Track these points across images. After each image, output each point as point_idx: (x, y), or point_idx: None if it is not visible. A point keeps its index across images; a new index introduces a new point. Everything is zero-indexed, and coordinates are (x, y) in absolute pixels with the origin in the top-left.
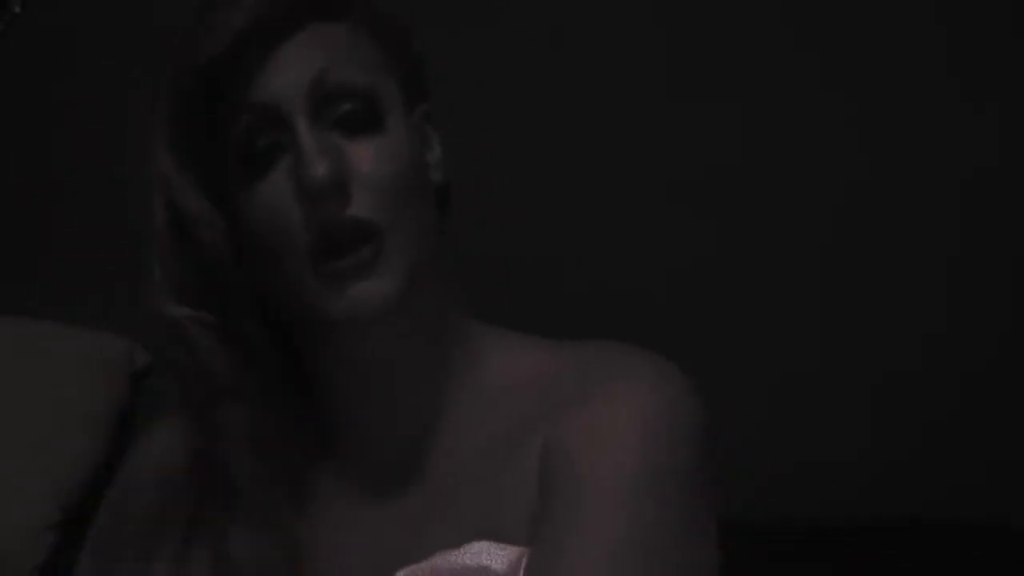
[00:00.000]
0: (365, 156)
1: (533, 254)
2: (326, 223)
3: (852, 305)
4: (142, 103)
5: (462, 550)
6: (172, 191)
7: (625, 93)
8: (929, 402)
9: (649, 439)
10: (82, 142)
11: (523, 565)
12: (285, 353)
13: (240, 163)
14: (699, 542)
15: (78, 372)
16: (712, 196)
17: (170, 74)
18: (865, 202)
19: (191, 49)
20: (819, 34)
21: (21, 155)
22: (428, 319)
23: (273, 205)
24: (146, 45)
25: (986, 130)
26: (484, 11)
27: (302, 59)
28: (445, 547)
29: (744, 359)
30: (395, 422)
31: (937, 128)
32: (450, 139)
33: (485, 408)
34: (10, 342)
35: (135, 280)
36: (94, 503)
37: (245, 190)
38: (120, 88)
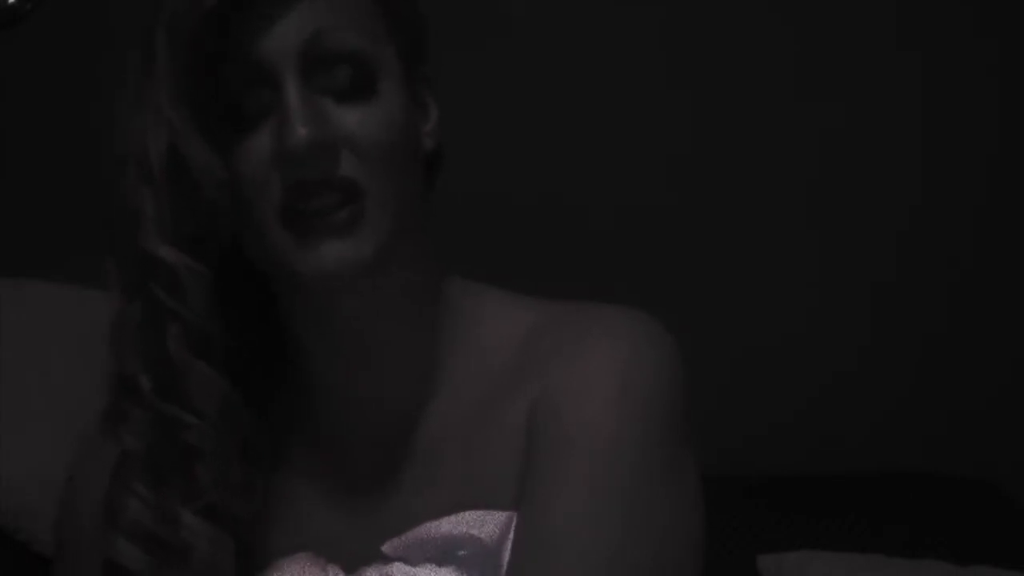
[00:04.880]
0: (354, 121)
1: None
2: (306, 183)
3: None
4: (125, 43)
5: (448, 519)
6: (177, 138)
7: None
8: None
9: (628, 392)
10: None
11: (512, 527)
12: (266, 318)
13: (230, 115)
14: (682, 493)
15: (100, 331)
16: (691, 154)
17: (170, 19)
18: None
19: None
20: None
21: (60, 127)
22: (408, 282)
23: (255, 161)
24: None
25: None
26: None
27: (300, 18)
28: (433, 515)
29: (716, 320)
30: (384, 391)
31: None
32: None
33: (473, 372)
34: (37, 304)
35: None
36: None
37: (233, 142)
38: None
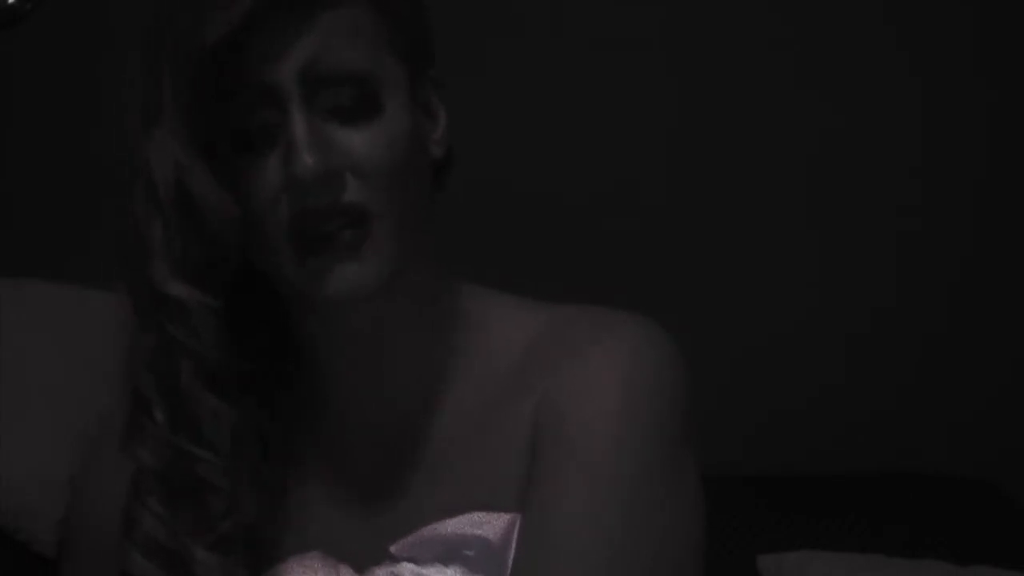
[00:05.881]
0: (360, 144)
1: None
2: (313, 210)
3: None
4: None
5: (452, 520)
6: (182, 172)
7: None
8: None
9: (629, 392)
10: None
11: (516, 530)
12: (278, 327)
13: (236, 139)
14: (682, 494)
15: (100, 331)
16: (687, 155)
17: (173, 51)
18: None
19: (198, 27)
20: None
21: (60, 127)
22: (417, 289)
23: (265, 185)
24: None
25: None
26: None
27: (301, 43)
28: (436, 517)
29: (716, 316)
30: (389, 394)
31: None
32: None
33: (478, 375)
34: (37, 304)
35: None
36: None
37: (241, 169)
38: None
